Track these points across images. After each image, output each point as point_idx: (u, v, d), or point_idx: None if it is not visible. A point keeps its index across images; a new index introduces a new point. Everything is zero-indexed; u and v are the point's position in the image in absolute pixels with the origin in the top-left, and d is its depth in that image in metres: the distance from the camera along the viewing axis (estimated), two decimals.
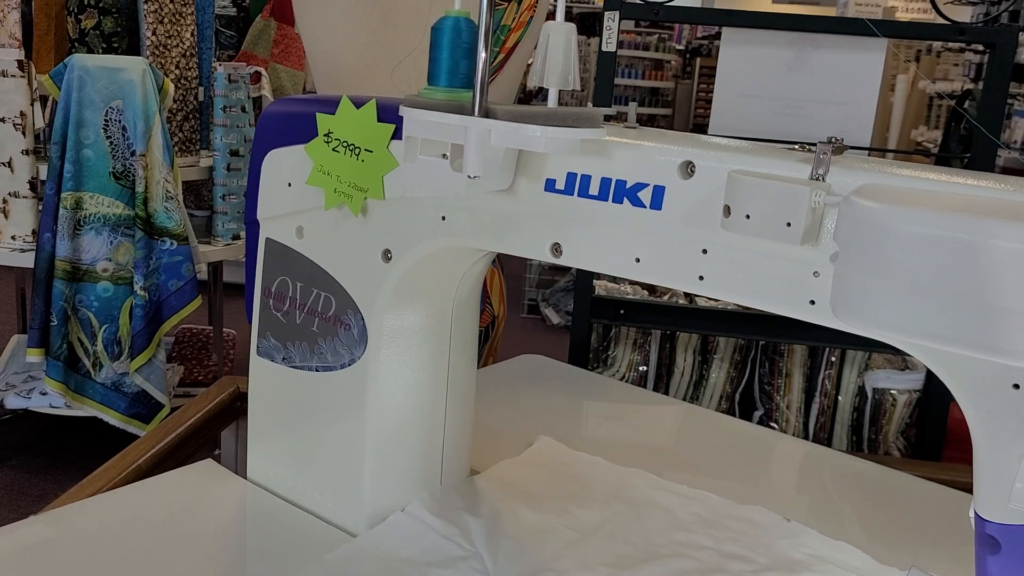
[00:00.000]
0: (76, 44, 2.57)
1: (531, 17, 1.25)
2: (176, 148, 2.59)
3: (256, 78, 2.87)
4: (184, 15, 2.62)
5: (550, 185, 0.64)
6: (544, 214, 0.65)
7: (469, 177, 0.60)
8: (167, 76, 2.52)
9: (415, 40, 1.13)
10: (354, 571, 0.72)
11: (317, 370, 0.79)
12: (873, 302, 0.48)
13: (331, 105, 0.74)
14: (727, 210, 0.55)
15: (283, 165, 0.79)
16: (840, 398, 1.41)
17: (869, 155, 1.32)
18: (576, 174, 0.62)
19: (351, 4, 1.20)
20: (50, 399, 2.60)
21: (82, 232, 2.39)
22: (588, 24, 8.01)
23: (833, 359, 1.39)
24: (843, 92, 1.26)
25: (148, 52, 2.54)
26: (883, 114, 4.21)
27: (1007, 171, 3.43)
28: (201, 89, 2.72)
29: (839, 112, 1.26)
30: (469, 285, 0.80)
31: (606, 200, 0.61)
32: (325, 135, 0.74)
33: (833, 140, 0.54)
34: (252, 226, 0.83)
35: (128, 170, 2.38)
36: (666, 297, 1.47)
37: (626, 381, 1.45)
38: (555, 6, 0.62)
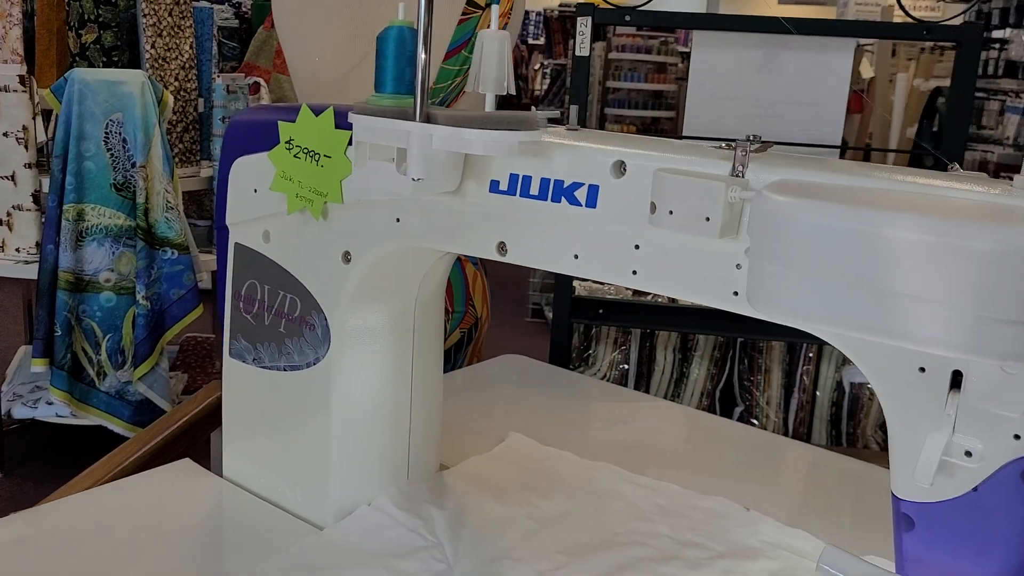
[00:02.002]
0: (77, 58, 2.61)
1: (506, 24, 1.27)
2: (176, 159, 2.63)
3: (255, 88, 2.91)
4: (183, 28, 2.66)
5: (494, 186, 0.66)
6: (490, 214, 0.67)
7: (413, 180, 0.63)
8: (166, 88, 2.56)
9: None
10: (319, 562, 0.74)
11: (285, 369, 0.82)
12: (782, 291, 0.51)
13: (293, 113, 0.77)
14: (653, 207, 0.57)
15: (249, 172, 0.82)
16: (818, 393, 1.43)
17: (841, 155, 1.34)
18: (518, 175, 0.65)
19: (327, 16, 1.23)
20: (56, 409, 2.64)
21: (84, 243, 2.43)
22: (594, 27, 7.99)
23: (811, 355, 1.41)
24: (813, 92, 1.28)
25: (148, 65, 2.59)
26: (884, 112, 4.21)
27: (1001, 167, 3.43)
28: (201, 100, 2.76)
29: (809, 112, 1.29)
30: (431, 287, 0.83)
31: (546, 200, 0.64)
32: (287, 142, 0.77)
33: (751, 138, 0.57)
34: (222, 231, 0.86)
35: (129, 181, 2.42)
36: (649, 297, 1.49)
37: (607, 380, 1.47)
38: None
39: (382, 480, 0.83)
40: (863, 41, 4.36)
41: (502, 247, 0.67)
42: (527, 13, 10.13)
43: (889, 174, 0.53)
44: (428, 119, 0.62)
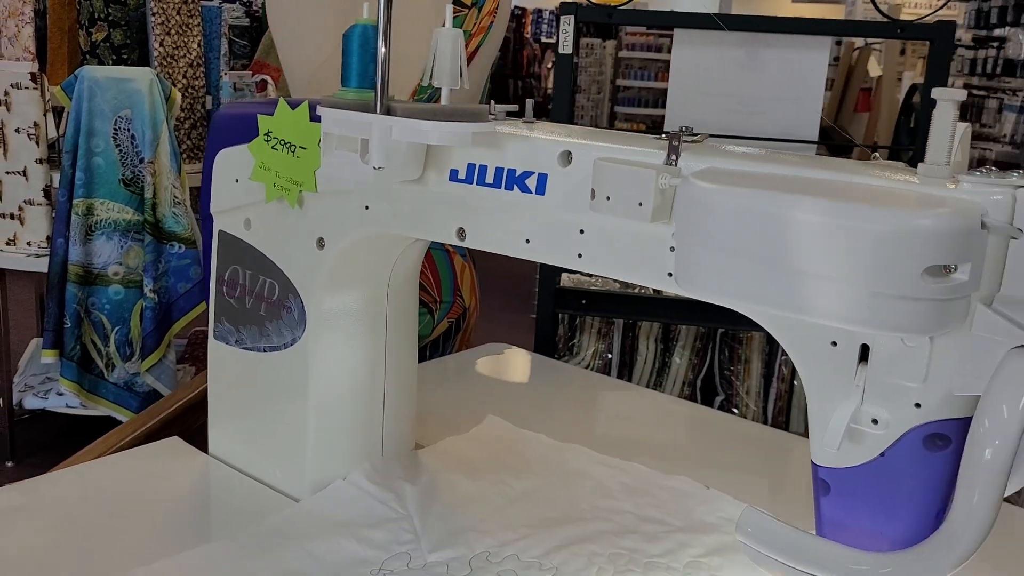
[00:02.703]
0: (88, 56, 2.68)
1: (491, 23, 1.31)
2: (184, 155, 2.68)
3: (262, 86, 2.97)
4: (191, 26, 2.72)
5: (454, 175, 0.70)
6: (450, 202, 0.72)
7: (375, 168, 0.67)
8: (175, 86, 2.62)
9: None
10: (293, 531, 0.79)
11: (265, 350, 0.87)
12: (703, 271, 0.55)
13: (272, 107, 0.81)
14: (593, 193, 0.61)
15: (231, 163, 0.86)
16: (796, 383, 1.46)
17: (817, 150, 1.38)
18: (475, 165, 0.69)
19: (320, 13, 1.28)
20: (66, 399, 2.70)
21: (94, 237, 2.49)
22: (603, 28, 8.05)
23: None
24: (792, 89, 1.32)
25: (156, 63, 2.65)
26: (890, 111, 4.23)
27: (998, 164, 3.44)
28: (209, 97, 2.82)
29: (788, 108, 1.32)
30: (403, 273, 0.87)
31: (500, 188, 0.68)
32: (265, 134, 0.82)
33: (684, 129, 0.61)
34: (207, 220, 0.90)
35: (137, 177, 2.48)
36: (638, 289, 1.52)
37: (591, 369, 1.51)
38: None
39: (356, 456, 0.88)
40: (871, 40, 4.38)
41: (461, 232, 0.71)
42: (540, 11, 10.15)
43: (809, 163, 0.57)
44: (388, 111, 0.67)
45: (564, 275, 1.51)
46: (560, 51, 1.31)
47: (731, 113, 1.32)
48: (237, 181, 0.86)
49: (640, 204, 0.59)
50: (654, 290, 1.48)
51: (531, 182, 0.66)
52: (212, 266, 0.90)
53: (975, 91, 3.90)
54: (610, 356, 1.49)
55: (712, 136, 0.99)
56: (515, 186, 0.67)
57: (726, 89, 1.33)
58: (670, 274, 0.62)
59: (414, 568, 0.75)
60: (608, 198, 0.60)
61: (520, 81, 9.52)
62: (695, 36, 1.33)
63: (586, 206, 0.63)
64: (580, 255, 0.66)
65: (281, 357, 0.85)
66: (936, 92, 0.53)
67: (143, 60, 2.71)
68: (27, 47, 2.69)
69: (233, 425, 0.92)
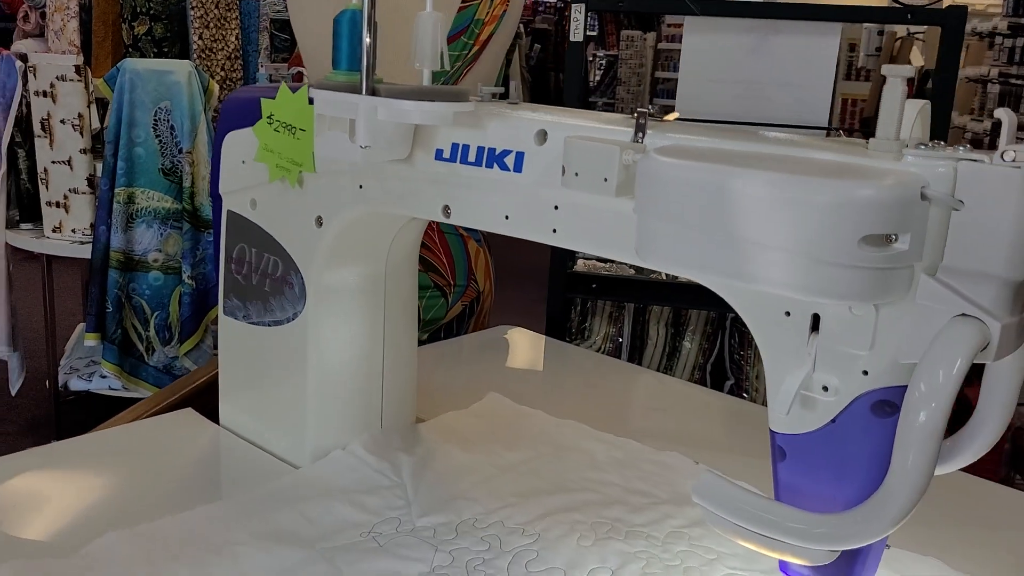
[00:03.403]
0: (130, 49, 2.76)
1: (504, 11, 1.34)
2: None
3: (298, 78, 3.03)
4: (229, 20, 2.78)
5: (439, 154, 0.73)
6: (436, 180, 0.74)
7: (361, 147, 0.71)
8: (213, 78, 2.68)
9: (393, 33, 1.24)
10: (291, 495, 0.83)
11: (269, 325, 0.91)
12: (660, 241, 0.57)
13: (275, 91, 0.85)
14: (563, 170, 0.64)
15: (239, 145, 0.90)
16: None
17: (827, 135, 1.38)
18: (459, 144, 0.72)
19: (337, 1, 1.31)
20: (109, 381, 2.79)
21: (134, 225, 2.56)
22: (645, 20, 8.01)
23: None
24: (801, 75, 1.32)
25: (195, 55, 2.71)
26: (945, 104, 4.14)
27: None
28: None
29: (797, 94, 1.32)
30: (402, 251, 0.90)
31: (481, 166, 0.71)
32: (268, 117, 0.85)
33: (651, 108, 0.63)
34: (216, 200, 0.94)
35: (176, 166, 2.55)
36: (650, 274, 1.54)
37: (602, 353, 1.53)
38: None
39: (356, 428, 0.91)
40: (913, 29, 4.31)
41: (446, 210, 0.74)
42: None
43: (768, 141, 0.59)
44: (373, 92, 0.70)
45: (580, 260, 1.53)
46: (571, 39, 1.33)
47: (741, 99, 1.33)
48: (244, 163, 0.90)
49: (605, 180, 0.61)
50: (665, 275, 1.50)
51: (509, 160, 0.69)
52: (221, 244, 0.94)
53: (1013, 80, 3.82)
54: (620, 340, 1.51)
55: (722, 123, 1.01)
56: (495, 164, 0.70)
57: (736, 75, 1.34)
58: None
59: (403, 532, 0.78)
60: (576, 174, 0.63)
61: (562, 74, 9.52)
62: (706, 23, 1.34)
63: (558, 183, 0.66)
64: (555, 230, 0.68)
65: (283, 331, 0.89)
66: (885, 69, 0.54)
67: (183, 53, 2.78)
68: (72, 40, 2.78)
69: (241, 396, 0.96)
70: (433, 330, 1.43)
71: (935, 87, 1.28)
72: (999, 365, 0.59)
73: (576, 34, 1.30)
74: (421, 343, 1.31)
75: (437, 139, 0.73)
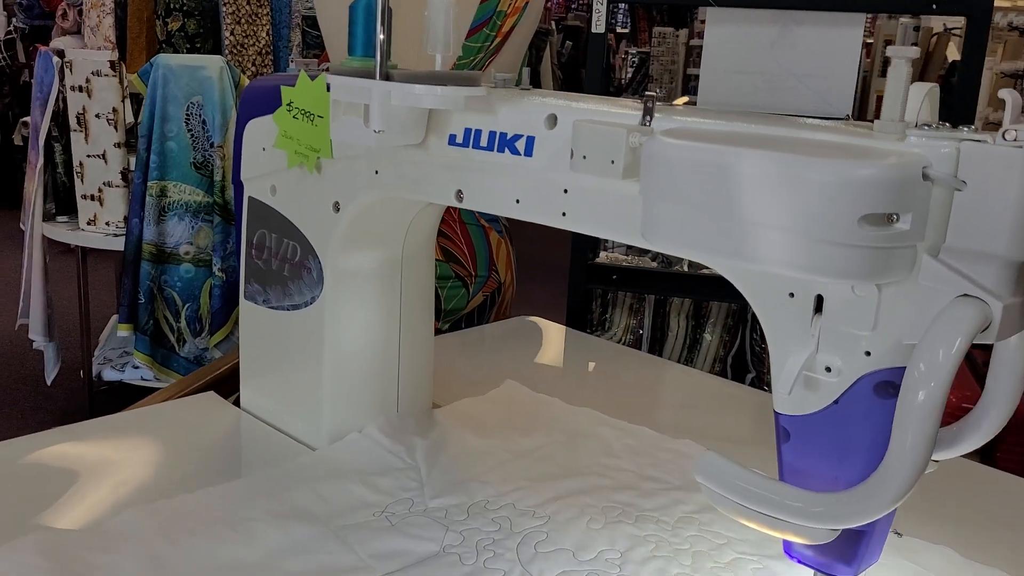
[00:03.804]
0: (164, 45, 2.80)
1: (526, 3, 1.35)
2: None
3: None
4: (260, 16, 2.81)
5: (452, 139, 0.74)
6: (449, 165, 0.75)
7: (375, 132, 0.72)
8: (244, 73, 2.72)
9: (415, 21, 1.25)
10: (305, 475, 0.84)
11: (288, 309, 0.92)
12: (663, 222, 0.57)
13: (295, 79, 0.87)
14: (572, 153, 0.64)
15: (259, 133, 0.92)
16: None
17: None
18: (471, 129, 0.73)
19: None
20: (141, 372, 2.84)
21: (166, 218, 2.60)
22: (677, 16, 7.98)
23: None
24: (824, 66, 1.32)
25: (227, 51, 2.75)
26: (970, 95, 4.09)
27: None
28: None
29: (820, 85, 1.32)
30: (418, 237, 0.91)
31: (492, 150, 0.72)
32: (287, 105, 0.87)
33: (658, 92, 0.63)
34: (238, 187, 0.96)
35: (207, 160, 2.59)
36: (674, 266, 1.54)
37: (622, 344, 1.53)
38: None
39: (372, 411, 0.92)
40: (950, 25, 4.26)
41: (459, 194, 0.75)
42: (615, 1, 10.09)
43: (775, 122, 0.59)
44: (387, 77, 0.71)
45: (603, 252, 1.54)
46: (593, 31, 1.33)
47: (762, 91, 1.33)
48: (264, 149, 0.91)
49: (612, 162, 0.62)
50: (687, 267, 1.50)
51: (520, 144, 0.70)
52: (243, 230, 0.96)
53: None
54: (641, 332, 1.51)
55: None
56: (506, 149, 0.71)
57: (759, 67, 1.33)
58: None
59: (415, 512, 0.80)
60: (584, 157, 0.63)
61: None
62: (728, 14, 1.34)
63: (567, 166, 0.67)
64: (564, 214, 0.69)
65: (301, 315, 0.90)
66: (890, 50, 0.54)
67: (216, 48, 2.82)
68: (108, 37, 2.83)
69: (261, 380, 0.98)
70: (454, 320, 1.44)
71: (960, 77, 1.27)
72: (1005, 349, 0.59)
73: (598, 26, 1.31)
74: (441, 332, 1.32)
75: (450, 124, 0.74)
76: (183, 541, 0.71)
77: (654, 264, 1.49)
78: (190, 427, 0.97)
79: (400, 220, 0.88)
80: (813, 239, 0.51)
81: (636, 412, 1.04)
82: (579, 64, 8.97)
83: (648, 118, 0.63)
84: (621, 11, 10.45)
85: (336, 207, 0.85)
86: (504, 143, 0.71)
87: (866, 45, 3.84)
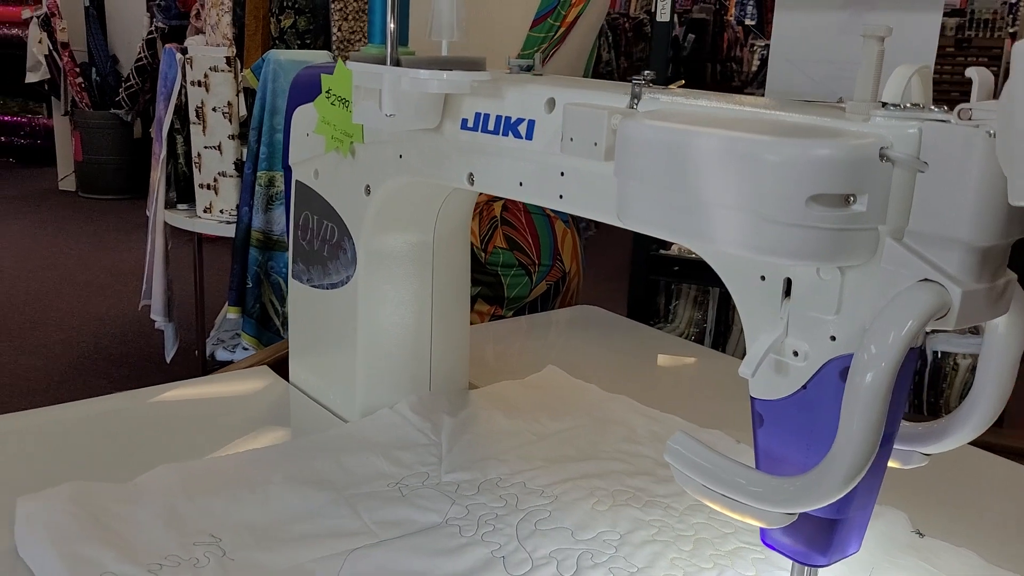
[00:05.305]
0: (277, 41, 2.92)
1: None
2: None
3: None
4: (366, 12, 2.90)
5: (464, 124, 0.76)
6: (462, 149, 0.78)
7: (386, 115, 0.75)
8: None
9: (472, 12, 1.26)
10: (331, 446, 0.88)
11: (327, 288, 0.96)
12: (633, 202, 0.58)
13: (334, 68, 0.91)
14: (562, 136, 0.66)
15: (305, 119, 0.96)
16: None
17: None
18: (480, 113, 0.75)
19: None
20: (250, 353, 2.99)
21: (274, 206, 2.72)
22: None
23: None
24: (898, 54, 1.25)
25: (335, 47, 2.85)
26: None
27: None
28: None
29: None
30: (450, 222, 0.94)
31: (498, 134, 0.73)
32: (326, 92, 0.91)
33: (646, 75, 0.64)
34: (287, 171, 1.01)
35: None
36: None
37: (686, 337, 1.52)
38: None
39: (404, 389, 0.96)
40: None
41: (471, 177, 0.77)
42: None
43: (750, 103, 0.59)
44: (397, 64, 0.74)
45: (674, 244, 1.52)
46: (657, 19, 1.32)
47: (831, 80, 1.29)
48: (308, 135, 0.96)
49: (595, 144, 0.62)
50: None
51: (522, 128, 0.71)
52: (291, 212, 1.01)
53: None
54: (705, 325, 1.49)
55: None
56: (510, 132, 0.72)
57: (828, 55, 1.29)
58: None
59: (428, 485, 0.82)
60: (571, 139, 0.64)
61: (720, 65, 9.29)
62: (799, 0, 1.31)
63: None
64: (561, 196, 0.70)
65: (338, 293, 0.94)
66: (863, 28, 0.53)
67: (326, 44, 2.93)
68: (226, 34, 2.98)
69: (306, 355, 1.02)
70: (518, 308, 1.46)
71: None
72: (995, 339, 0.57)
73: (663, 14, 1.30)
74: (499, 318, 1.34)
75: (463, 109, 0.76)
76: (201, 499, 0.76)
77: None
78: (240, 398, 1.02)
79: (428, 204, 0.91)
80: (762, 218, 0.51)
81: (675, 401, 1.03)
82: (703, 58, 8.79)
83: (635, 101, 0.63)
84: (751, 2, 10.20)
85: (367, 190, 0.89)
86: (508, 127, 0.72)
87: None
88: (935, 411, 1.40)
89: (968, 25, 4.89)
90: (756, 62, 7.68)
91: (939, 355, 1.36)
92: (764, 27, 8.98)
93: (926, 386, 1.39)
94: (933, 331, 1.26)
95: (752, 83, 7.33)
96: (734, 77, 8.91)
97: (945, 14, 4.52)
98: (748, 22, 9.65)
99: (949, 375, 1.35)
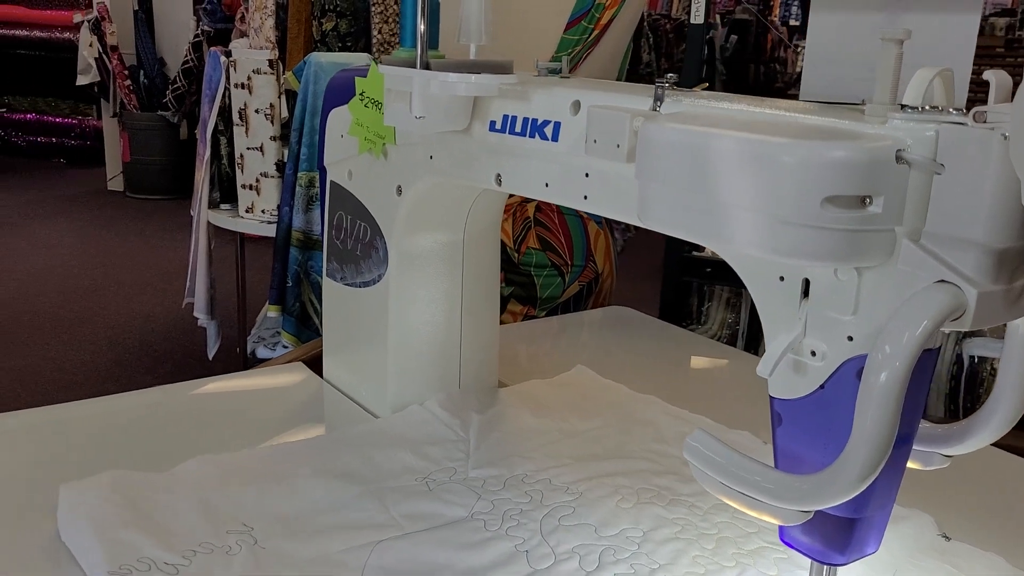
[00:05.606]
0: (318, 44, 2.97)
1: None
2: None
3: None
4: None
5: (492, 125, 0.78)
6: (490, 150, 0.79)
7: (416, 118, 0.76)
8: None
9: (512, 17, 1.28)
10: (360, 441, 0.90)
11: (360, 286, 0.98)
12: (654, 204, 0.59)
13: (368, 70, 0.93)
14: (586, 138, 0.67)
15: (339, 121, 0.98)
16: (937, 366, 1.38)
17: None
18: (508, 115, 0.76)
19: None
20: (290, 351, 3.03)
21: (313, 207, 2.76)
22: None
23: None
24: (935, 56, 1.25)
25: (375, 49, 2.89)
26: None
27: None
28: None
29: None
30: (480, 222, 0.95)
31: (525, 136, 0.75)
32: (360, 94, 0.93)
33: (668, 77, 0.64)
34: (322, 172, 1.03)
35: None
36: None
37: (719, 339, 1.51)
38: None
39: (433, 387, 0.97)
40: None
41: (499, 178, 0.79)
42: None
43: (772, 105, 0.60)
44: (427, 67, 0.75)
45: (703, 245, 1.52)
46: (692, 21, 1.33)
47: (867, 82, 1.27)
48: (342, 137, 0.98)
49: (618, 146, 0.63)
50: None
51: (548, 130, 0.73)
52: (326, 212, 1.03)
53: None
54: (738, 327, 1.49)
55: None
56: (536, 134, 0.74)
57: (864, 57, 1.28)
58: None
59: (455, 480, 0.84)
60: (595, 141, 0.65)
61: (763, 67, 9.20)
62: (834, 0, 1.30)
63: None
64: (586, 197, 0.71)
65: (370, 292, 0.96)
66: (881, 32, 0.54)
67: (367, 47, 2.96)
68: (269, 37, 3.03)
69: (339, 351, 1.05)
70: (551, 308, 1.47)
71: None
72: (1016, 341, 0.57)
73: (697, 16, 1.30)
74: (532, 318, 1.35)
75: (491, 111, 0.78)
76: (233, 490, 0.79)
77: None
78: (275, 393, 1.05)
79: (459, 205, 0.92)
80: (782, 221, 0.51)
81: (705, 403, 1.04)
82: (746, 59, 8.72)
83: (658, 103, 0.64)
84: (796, 3, 10.09)
85: (399, 191, 0.91)
86: (535, 128, 0.74)
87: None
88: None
89: (1020, 25, 4.81)
90: (800, 63, 7.60)
91: (975, 360, 1.35)
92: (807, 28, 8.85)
93: (962, 391, 1.38)
94: (968, 335, 1.24)
95: (795, 85, 7.25)
96: (777, 78, 8.82)
97: (995, 14, 4.42)
98: (793, 23, 9.54)
99: (986, 380, 1.34)
